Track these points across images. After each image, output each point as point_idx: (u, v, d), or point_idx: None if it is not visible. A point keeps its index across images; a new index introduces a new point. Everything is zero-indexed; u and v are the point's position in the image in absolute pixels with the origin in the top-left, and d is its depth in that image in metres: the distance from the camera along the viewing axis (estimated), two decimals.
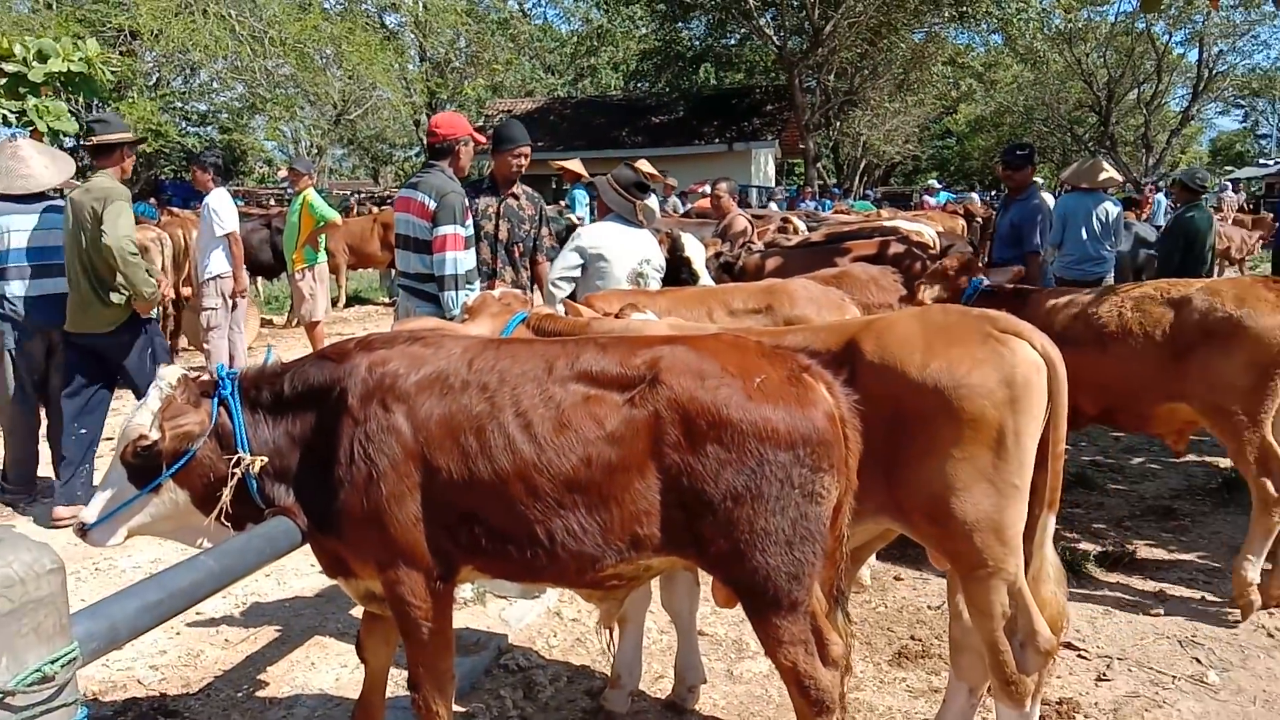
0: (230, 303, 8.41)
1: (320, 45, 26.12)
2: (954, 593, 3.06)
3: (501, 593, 4.46)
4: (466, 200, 5.11)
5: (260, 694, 3.81)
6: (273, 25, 24.31)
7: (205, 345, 8.60)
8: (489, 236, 5.51)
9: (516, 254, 5.65)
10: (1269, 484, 4.45)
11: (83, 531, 2.74)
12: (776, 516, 2.45)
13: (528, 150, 5.59)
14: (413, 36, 33.95)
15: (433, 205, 4.92)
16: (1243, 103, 51.45)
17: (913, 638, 4.27)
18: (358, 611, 4.04)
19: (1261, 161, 41.88)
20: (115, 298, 5.63)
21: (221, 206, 8.26)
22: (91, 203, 5.49)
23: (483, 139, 5.43)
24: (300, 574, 4.86)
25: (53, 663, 1.89)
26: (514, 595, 4.44)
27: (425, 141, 5.37)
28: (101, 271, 5.57)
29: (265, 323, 13.79)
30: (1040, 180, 7.23)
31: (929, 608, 4.56)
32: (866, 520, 2.92)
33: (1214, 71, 36.73)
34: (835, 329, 3.18)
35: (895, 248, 6.84)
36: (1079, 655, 4.10)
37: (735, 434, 2.44)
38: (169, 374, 2.77)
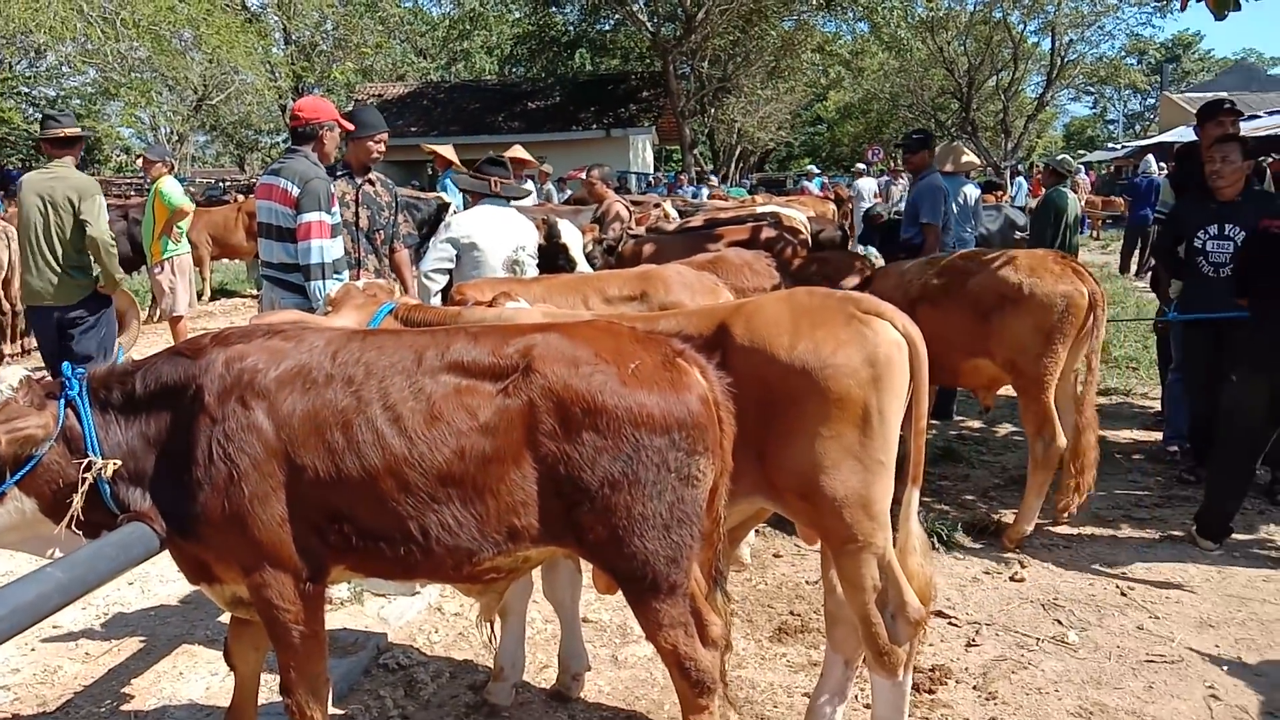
0: None
1: (177, 27, 24.89)
2: (827, 568, 3.13)
3: (380, 591, 4.36)
4: (332, 187, 4.95)
5: (125, 708, 3.63)
6: (125, 6, 23.01)
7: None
8: (349, 225, 5.33)
9: (378, 242, 5.51)
10: (1040, 446, 4.99)
11: None
12: (654, 501, 2.46)
13: (386, 136, 5.45)
14: (276, 19, 32.72)
15: (295, 191, 4.74)
16: (1092, 90, 54.22)
17: (792, 613, 4.37)
18: (228, 617, 3.88)
19: (1110, 146, 44.26)
20: (81, 275, 6.16)
21: None
22: (67, 191, 6.07)
23: (349, 125, 5.27)
24: (165, 580, 4.64)
25: None
26: (393, 593, 4.35)
27: (289, 126, 5.17)
28: (70, 252, 6.09)
29: None
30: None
31: (807, 583, 4.67)
32: (741, 500, 2.95)
33: (1065, 60, 38.41)
34: (706, 313, 3.21)
35: (768, 232, 6.95)
36: (949, 623, 4.26)
37: (611, 420, 2.43)
38: (9, 375, 2.60)
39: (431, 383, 2.50)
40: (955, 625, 4.25)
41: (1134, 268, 16.63)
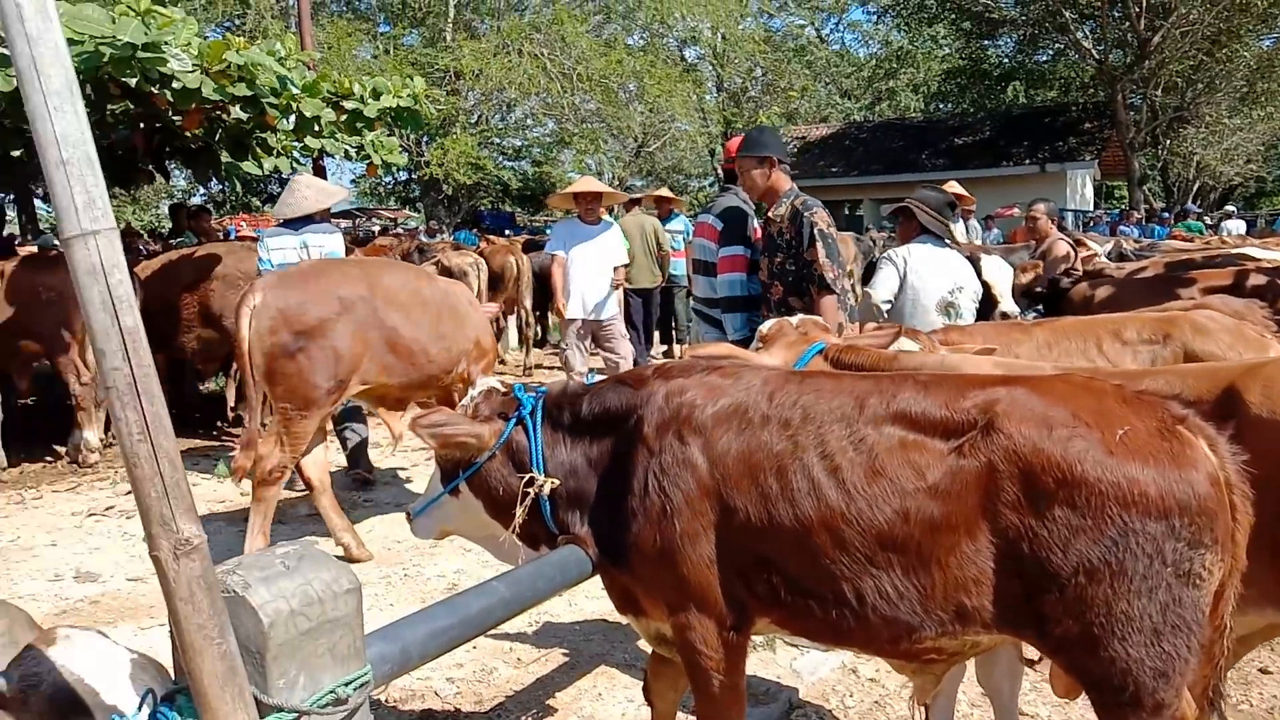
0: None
1: (624, 80, 27.26)
2: None
3: (792, 640, 4.19)
4: (755, 221, 4.91)
5: None
6: (580, 62, 25.67)
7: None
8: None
9: (773, 294, 4.79)
10: None
11: (409, 517, 3.00)
12: (1142, 599, 2.01)
13: (752, 164, 4.62)
14: (711, 68, 34.64)
15: (719, 226, 4.79)
16: None
17: None
18: (645, 642, 3.92)
19: None
20: (659, 268, 10.96)
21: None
22: (645, 224, 10.63)
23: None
24: (591, 596, 4.81)
25: (346, 684, 1.86)
26: (805, 645, 4.16)
27: (720, 169, 5.21)
28: (655, 255, 10.80)
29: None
30: None
31: None
32: (1250, 610, 2.38)
33: None
34: (1207, 373, 2.66)
35: (1256, 279, 5.89)
36: None
37: (1091, 495, 2.03)
38: (483, 384, 2.89)
39: (874, 433, 2.26)
40: None
41: None
